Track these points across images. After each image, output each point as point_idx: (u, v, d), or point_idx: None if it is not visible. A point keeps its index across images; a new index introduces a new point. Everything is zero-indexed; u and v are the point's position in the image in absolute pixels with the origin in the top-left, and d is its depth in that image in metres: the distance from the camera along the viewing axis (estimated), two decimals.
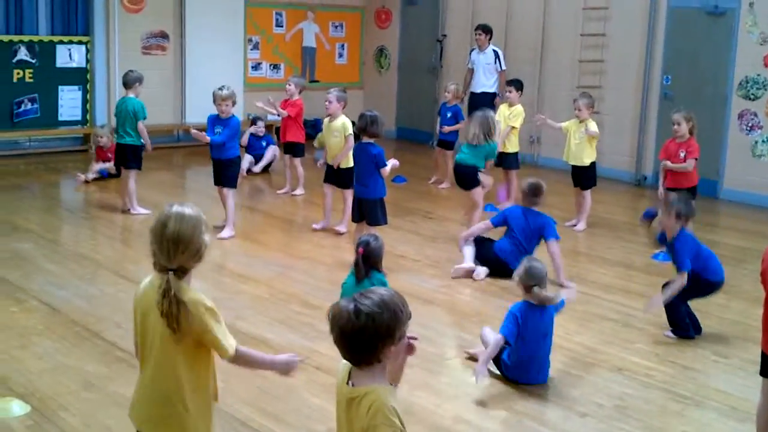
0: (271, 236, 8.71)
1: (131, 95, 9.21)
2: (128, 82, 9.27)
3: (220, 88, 8.32)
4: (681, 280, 6.10)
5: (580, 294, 6.92)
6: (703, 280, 6.19)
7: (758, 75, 10.93)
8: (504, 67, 12.25)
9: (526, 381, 5.29)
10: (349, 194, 8.54)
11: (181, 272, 3.14)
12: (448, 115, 11.51)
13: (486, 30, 12.27)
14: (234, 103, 8.37)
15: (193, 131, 8.47)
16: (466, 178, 8.48)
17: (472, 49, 12.49)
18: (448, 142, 11.52)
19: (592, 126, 9.37)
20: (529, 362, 5.28)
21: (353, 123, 12.40)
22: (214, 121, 8.38)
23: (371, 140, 7.57)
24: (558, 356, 5.74)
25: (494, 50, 12.28)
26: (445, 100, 11.67)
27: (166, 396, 3.24)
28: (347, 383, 2.77)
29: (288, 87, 10.59)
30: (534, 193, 7.45)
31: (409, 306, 5.91)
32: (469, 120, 8.80)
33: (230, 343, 3.29)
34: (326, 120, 8.89)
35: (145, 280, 3.30)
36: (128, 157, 9.27)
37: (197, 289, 3.23)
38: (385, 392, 2.70)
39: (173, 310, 3.10)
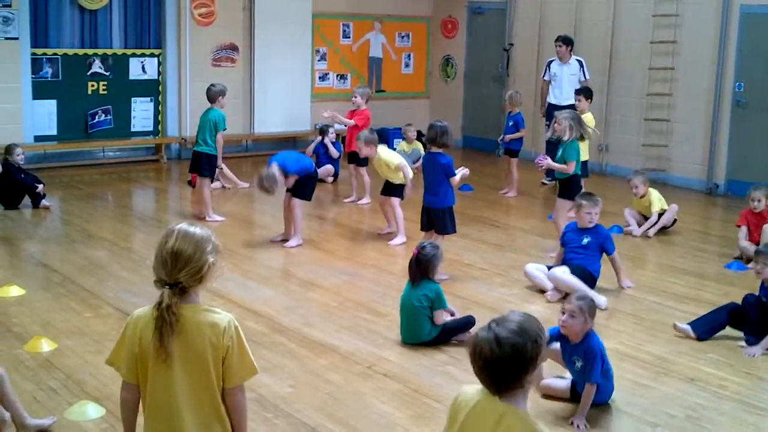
0: (337, 244, 8.76)
1: (215, 107, 9.47)
2: (211, 96, 9.54)
3: None
4: None
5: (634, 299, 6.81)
6: None
7: None
8: (588, 77, 11.75)
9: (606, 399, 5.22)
10: (397, 203, 8.80)
11: (180, 290, 3.05)
12: (510, 123, 11.53)
13: (566, 41, 11.78)
14: None
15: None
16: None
17: (551, 61, 11.94)
18: (512, 150, 11.51)
19: (657, 207, 9.40)
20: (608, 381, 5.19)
21: (420, 134, 12.52)
22: None
23: (440, 150, 7.57)
24: (629, 366, 5.67)
25: (578, 60, 11.76)
26: (509, 110, 11.68)
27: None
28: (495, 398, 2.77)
29: (354, 99, 10.68)
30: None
31: (477, 314, 5.90)
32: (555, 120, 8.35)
33: (254, 366, 3.17)
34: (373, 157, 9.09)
35: (140, 310, 3.18)
36: (203, 165, 9.47)
37: (216, 308, 3.15)
38: (538, 422, 2.77)
39: (159, 325, 3.01)
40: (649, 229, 9.30)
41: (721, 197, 11.71)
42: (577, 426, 4.83)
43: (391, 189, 8.87)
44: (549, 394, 5.19)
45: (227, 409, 3.14)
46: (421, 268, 6.04)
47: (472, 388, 2.84)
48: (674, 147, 12.40)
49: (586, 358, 4.98)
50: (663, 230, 9.39)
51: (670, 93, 12.34)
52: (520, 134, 11.47)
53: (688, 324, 6.30)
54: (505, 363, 2.68)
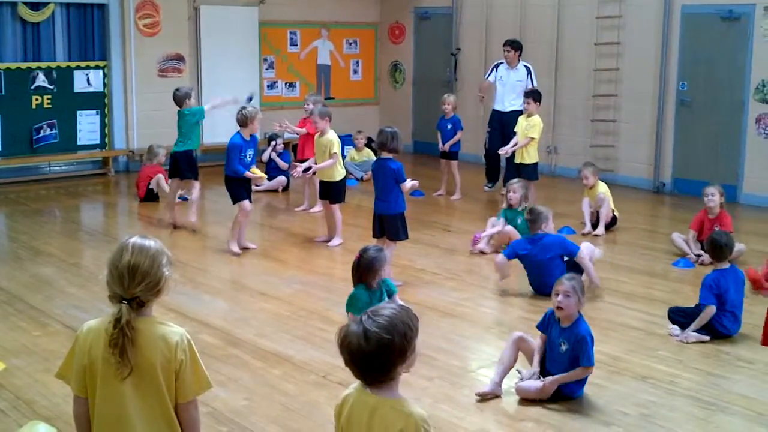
0: (290, 253, 8.73)
1: (186, 108, 9.54)
2: (178, 100, 9.56)
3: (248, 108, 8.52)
4: (708, 313, 6.20)
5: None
6: (714, 324, 6.26)
7: None
8: (536, 84, 11.45)
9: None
10: (337, 209, 8.94)
11: (137, 304, 3.02)
12: (449, 126, 11.60)
13: (515, 45, 11.54)
14: None
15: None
16: None
17: (499, 63, 11.76)
18: (452, 153, 11.63)
19: (603, 190, 9.71)
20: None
21: (370, 141, 12.59)
22: (246, 144, 8.55)
23: (390, 156, 7.58)
24: None
25: (526, 66, 11.59)
26: (443, 113, 11.71)
27: None
28: (366, 391, 2.80)
29: (306, 106, 10.66)
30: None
31: (430, 319, 5.91)
32: (512, 186, 8.88)
33: (208, 380, 3.15)
34: (316, 135, 9.21)
35: (91, 322, 3.15)
36: (182, 167, 9.53)
37: (168, 322, 3.13)
38: (413, 405, 2.77)
39: (120, 341, 2.97)
40: (596, 229, 9.46)
41: (668, 195, 11.90)
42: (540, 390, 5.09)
43: (330, 192, 9.00)
44: (526, 397, 5.17)
45: (180, 424, 3.11)
46: (361, 271, 5.96)
47: (351, 387, 2.87)
48: (621, 147, 12.57)
49: (576, 342, 5.10)
50: (607, 229, 9.52)
51: (616, 94, 12.51)
52: (458, 137, 11.57)
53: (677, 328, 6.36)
54: (371, 357, 2.71)
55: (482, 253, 8.60)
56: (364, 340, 2.69)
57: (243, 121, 8.44)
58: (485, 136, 12.07)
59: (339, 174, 9.04)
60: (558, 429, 4.90)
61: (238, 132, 8.50)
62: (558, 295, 5.17)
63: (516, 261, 7.40)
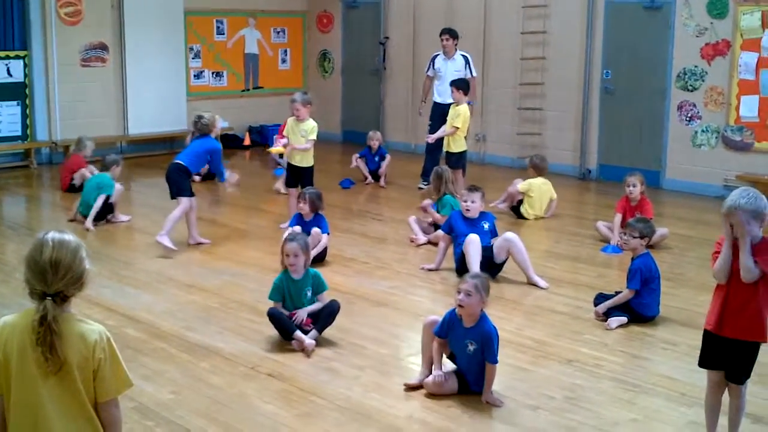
0: (219, 245, 8.63)
1: (108, 174, 9.49)
2: (106, 166, 9.59)
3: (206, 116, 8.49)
4: (626, 295, 6.37)
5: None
6: (634, 306, 6.39)
7: (696, 66, 11.12)
8: (475, 74, 11.48)
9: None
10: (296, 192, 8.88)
11: (61, 299, 2.98)
12: (376, 159, 11.73)
13: (453, 34, 11.29)
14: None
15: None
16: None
17: (436, 56, 11.48)
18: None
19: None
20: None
21: None
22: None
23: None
24: (508, 351, 5.77)
25: (464, 56, 11.36)
26: (369, 147, 11.77)
27: None
28: None
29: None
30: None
31: (360, 308, 5.89)
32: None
33: (128, 379, 3.10)
34: (291, 120, 9.00)
35: (6, 318, 3.08)
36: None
37: (87, 319, 3.09)
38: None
39: (48, 338, 2.91)
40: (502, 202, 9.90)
41: (594, 182, 12.10)
42: (497, 401, 5.03)
43: (302, 177, 8.96)
44: (437, 393, 5.13)
45: (102, 423, 3.06)
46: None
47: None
48: (547, 135, 12.73)
49: (483, 340, 5.03)
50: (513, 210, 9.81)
51: (542, 82, 12.65)
52: (387, 161, 11.73)
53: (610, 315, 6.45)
54: None
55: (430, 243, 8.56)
56: None
57: (206, 128, 8.38)
58: (427, 129, 11.69)
59: (310, 160, 9.03)
60: (485, 414, 4.94)
61: (211, 136, 8.44)
62: (460, 293, 5.04)
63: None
